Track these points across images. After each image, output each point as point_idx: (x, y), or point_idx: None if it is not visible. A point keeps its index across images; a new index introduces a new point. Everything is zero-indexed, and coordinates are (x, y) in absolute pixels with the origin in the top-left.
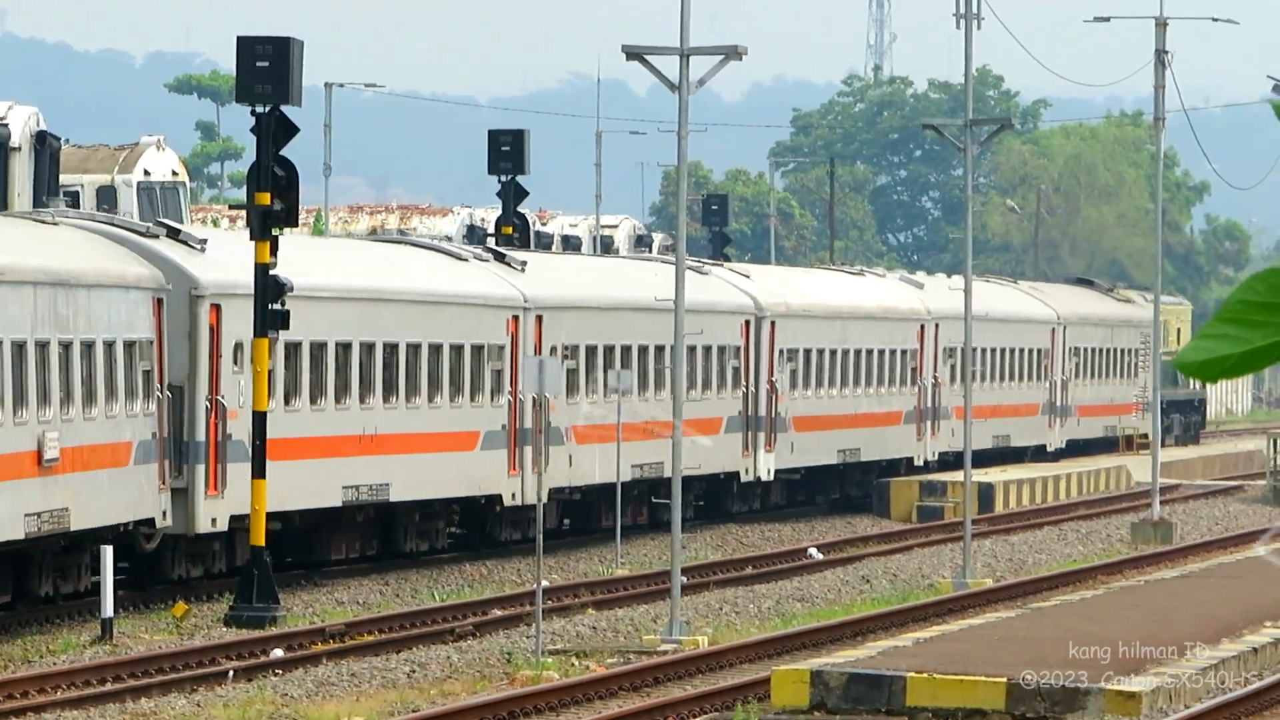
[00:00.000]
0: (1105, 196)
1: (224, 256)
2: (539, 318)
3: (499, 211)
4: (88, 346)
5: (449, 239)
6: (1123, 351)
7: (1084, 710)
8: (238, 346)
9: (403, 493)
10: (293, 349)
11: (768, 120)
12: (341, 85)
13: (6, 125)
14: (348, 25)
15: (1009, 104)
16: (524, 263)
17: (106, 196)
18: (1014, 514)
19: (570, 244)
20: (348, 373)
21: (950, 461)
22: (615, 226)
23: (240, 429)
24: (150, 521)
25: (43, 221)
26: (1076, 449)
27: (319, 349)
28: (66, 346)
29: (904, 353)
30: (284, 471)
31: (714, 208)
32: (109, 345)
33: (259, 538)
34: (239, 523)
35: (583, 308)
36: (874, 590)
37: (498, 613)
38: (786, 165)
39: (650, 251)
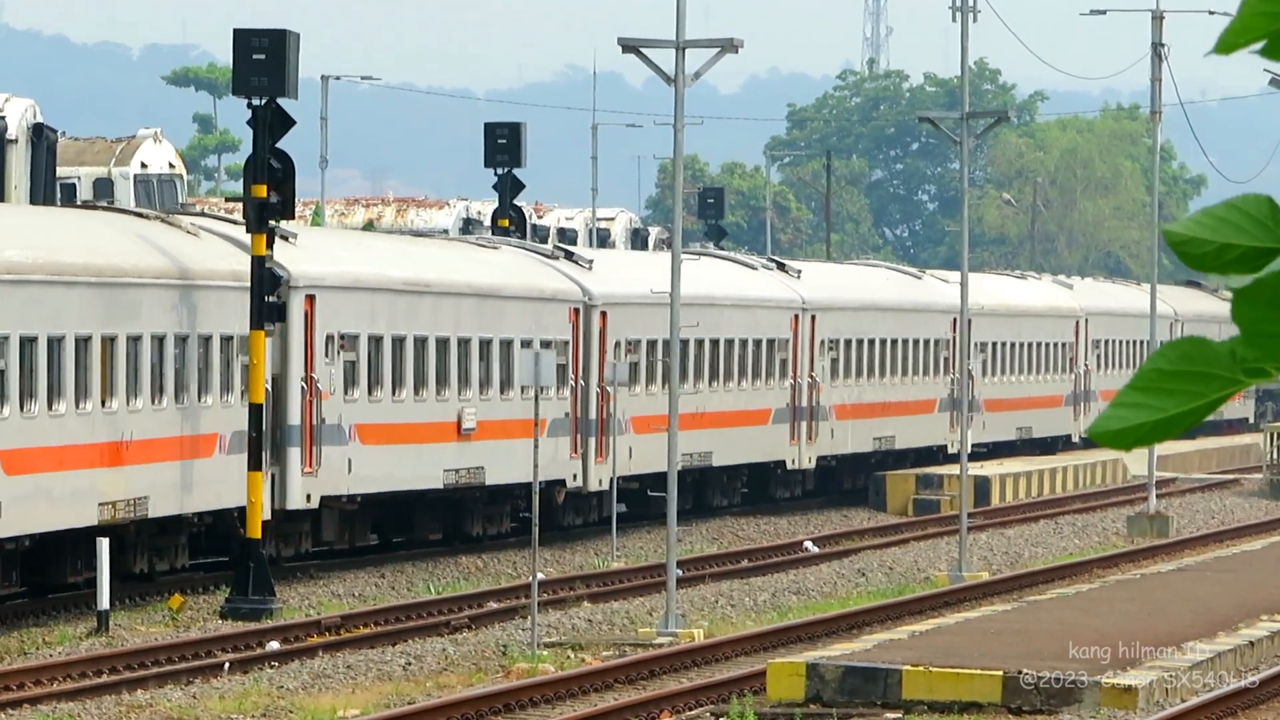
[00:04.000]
0: (1102, 189)
1: (608, 273)
2: (813, 317)
3: (495, 204)
4: (505, 345)
5: (445, 232)
6: None
7: (1080, 704)
8: (617, 344)
9: (721, 459)
10: (649, 345)
11: (764, 113)
12: (338, 78)
13: (4, 117)
14: (344, 18)
15: (1005, 97)
16: (799, 270)
17: (103, 189)
18: (1010, 507)
19: (566, 237)
20: (684, 361)
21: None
22: (611, 219)
23: (623, 408)
24: (562, 481)
25: (484, 245)
26: (1199, 429)
27: (654, 344)
28: (486, 344)
29: (1062, 345)
30: (642, 442)
31: (710, 201)
32: (526, 344)
33: (255, 530)
34: (624, 482)
35: (845, 308)
36: (870, 583)
37: (493, 605)
38: (783, 158)
39: (647, 246)
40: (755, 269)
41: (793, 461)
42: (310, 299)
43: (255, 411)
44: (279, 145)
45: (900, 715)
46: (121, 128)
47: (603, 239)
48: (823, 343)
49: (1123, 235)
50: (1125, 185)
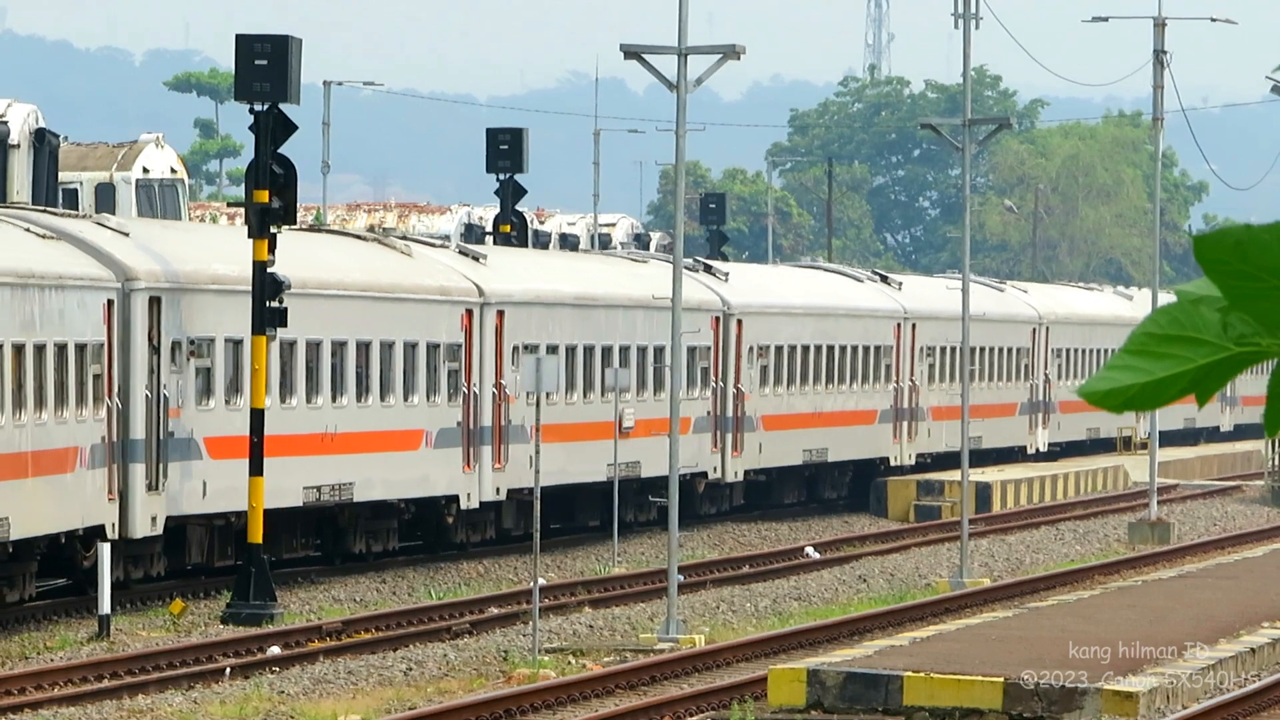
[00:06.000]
0: (1103, 196)
1: (742, 284)
2: (913, 325)
3: (497, 210)
4: (658, 351)
5: (447, 238)
6: None
7: (1081, 710)
8: (751, 349)
9: (837, 454)
10: (778, 350)
11: (766, 120)
12: (340, 83)
13: (6, 123)
14: (346, 23)
15: (1006, 104)
16: (900, 283)
17: (105, 194)
18: (1011, 514)
19: (568, 243)
20: (805, 365)
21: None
22: (613, 225)
23: (753, 408)
24: (704, 474)
25: (635, 260)
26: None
27: (781, 349)
28: (642, 350)
29: None
30: (771, 439)
31: (712, 207)
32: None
33: (256, 535)
34: (749, 475)
35: (940, 318)
36: (871, 590)
37: (494, 611)
38: (784, 165)
39: (649, 250)
40: (861, 281)
41: (895, 458)
42: (500, 314)
43: (256, 417)
44: (281, 150)
45: None
46: (124, 133)
47: (604, 244)
48: (921, 349)
49: (1124, 242)
50: (1127, 192)
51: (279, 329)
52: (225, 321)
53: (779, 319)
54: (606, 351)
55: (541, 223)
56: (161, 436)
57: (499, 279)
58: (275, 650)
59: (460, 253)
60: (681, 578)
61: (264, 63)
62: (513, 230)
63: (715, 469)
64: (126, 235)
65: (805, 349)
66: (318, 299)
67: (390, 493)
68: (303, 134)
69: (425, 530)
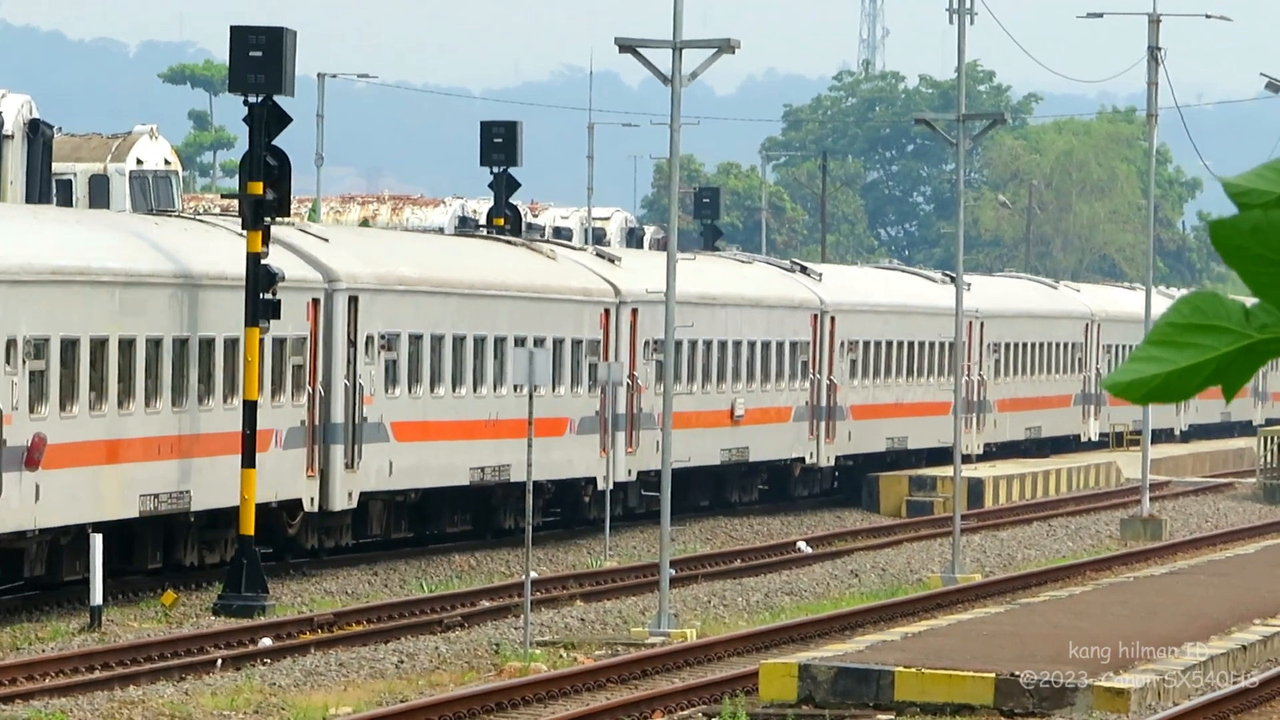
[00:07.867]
0: (1097, 192)
1: (835, 284)
2: (982, 324)
3: (491, 203)
4: (765, 345)
5: (441, 230)
6: None
7: (1072, 707)
8: (842, 344)
9: (916, 442)
10: (865, 345)
11: (760, 114)
12: (334, 76)
13: (0, 114)
14: (341, 16)
15: (1000, 99)
16: (969, 284)
17: (99, 185)
18: (1003, 509)
19: (561, 236)
20: (889, 359)
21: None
22: (607, 219)
23: (844, 399)
24: (801, 459)
25: (741, 261)
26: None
27: (868, 344)
28: (752, 345)
29: None
30: (858, 427)
31: (706, 201)
32: (779, 345)
33: (248, 527)
34: (842, 460)
35: (1003, 315)
36: (863, 584)
37: (486, 604)
38: (778, 159)
39: (642, 246)
40: (935, 281)
41: (967, 447)
42: (634, 312)
43: (249, 409)
44: (275, 142)
45: (892, 717)
46: (118, 124)
47: (598, 238)
48: (988, 346)
49: (1118, 238)
50: (1121, 188)
51: (459, 324)
52: (409, 317)
53: (867, 316)
54: (722, 346)
55: (535, 216)
56: (357, 421)
57: (632, 280)
58: (267, 642)
59: (597, 255)
60: (673, 572)
61: (258, 55)
62: (506, 223)
63: (811, 455)
64: (326, 240)
65: (889, 344)
66: (483, 299)
67: (540, 474)
68: (296, 126)
69: (564, 508)
